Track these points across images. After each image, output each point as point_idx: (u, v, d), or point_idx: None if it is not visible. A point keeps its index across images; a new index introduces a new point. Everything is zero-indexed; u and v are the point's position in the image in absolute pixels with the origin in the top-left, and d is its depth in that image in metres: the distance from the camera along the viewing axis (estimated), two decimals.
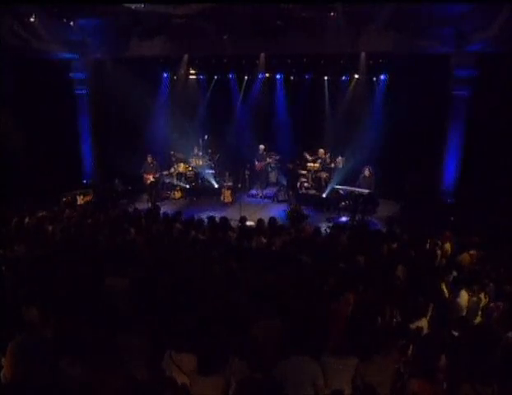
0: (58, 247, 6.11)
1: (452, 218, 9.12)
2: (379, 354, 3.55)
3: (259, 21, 7.90)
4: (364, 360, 3.42)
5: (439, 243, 6.28)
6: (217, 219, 7.30)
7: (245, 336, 3.65)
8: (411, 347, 3.74)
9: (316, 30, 9.17)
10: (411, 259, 5.69)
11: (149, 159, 10.68)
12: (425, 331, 4.08)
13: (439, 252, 6.00)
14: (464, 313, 4.47)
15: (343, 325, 4.32)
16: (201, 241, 6.27)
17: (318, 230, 6.97)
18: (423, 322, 4.14)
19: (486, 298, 4.65)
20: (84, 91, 10.80)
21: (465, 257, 5.84)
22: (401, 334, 3.96)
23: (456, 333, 3.96)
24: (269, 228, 7.07)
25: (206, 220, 7.40)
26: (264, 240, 6.45)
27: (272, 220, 7.23)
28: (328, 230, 7.57)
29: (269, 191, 11.69)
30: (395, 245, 6.42)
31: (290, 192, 11.05)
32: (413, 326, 4.07)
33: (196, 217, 8.30)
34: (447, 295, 4.81)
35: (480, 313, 4.61)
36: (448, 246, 6.32)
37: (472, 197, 8.95)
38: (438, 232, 6.69)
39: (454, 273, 5.31)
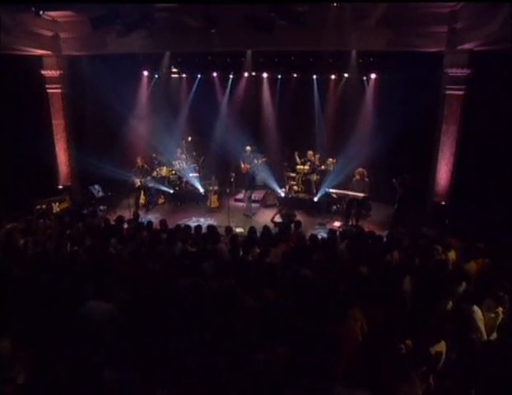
0: (30, 264, 5.48)
1: (447, 221, 8.92)
2: (397, 382, 3.18)
3: (247, 16, 7.39)
4: (380, 390, 3.04)
5: (440, 249, 5.95)
6: (205, 228, 6.80)
7: (248, 369, 3.22)
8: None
9: (305, 27, 8.77)
10: (418, 270, 5.34)
11: (139, 161, 10.05)
12: (444, 355, 3.73)
13: (449, 261, 5.67)
14: (481, 333, 4.11)
15: (354, 348, 3.94)
16: (190, 254, 5.76)
17: (314, 238, 6.55)
18: (442, 346, 3.77)
19: (503, 312, 4.33)
20: (58, 90, 10.04)
21: (472, 266, 5.51)
22: (419, 359, 3.59)
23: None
24: (263, 237, 6.62)
25: (193, 229, 6.90)
26: (258, 251, 5.99)
27: (266, 229, 6.77)
28: (324, 236, 7.21)
29: (256, 195, 11.24)
30: (396, 253, 6.09)
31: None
32: (432, 350, 3.70)
33: (182, 226, 7.84)
34: (459, 312, 4.46)
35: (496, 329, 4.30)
36: (452, 254, 6.02)
37: (466, 199, 8.74)
38: (440, 238, 6.37)
39: (463, 285, 4.98)
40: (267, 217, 9.67)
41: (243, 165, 11.55)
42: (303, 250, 5.93)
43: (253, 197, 10.97)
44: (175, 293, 4.44)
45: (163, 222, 7.00)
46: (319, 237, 7.74)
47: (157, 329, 3.85)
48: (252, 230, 6.63)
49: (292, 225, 8.43)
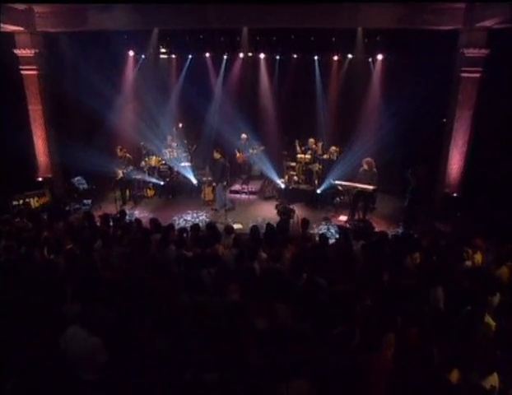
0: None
1: (458, 214, 8.35)
2: None
3: None
4: None
5: (470, 252, 5.33)
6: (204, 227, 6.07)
7: None
8: None
9: (306, 2, 7.95)
10: (449, 278, 4.70)
11: (119, 151, 9.22)
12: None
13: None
14: None
15: (385, 380, 3.31)
16: (187, 261, 5.03)
17: (324, 238, 5.87)
18: (494, 380, 3.15)
19: None
20: (33, 71, 9.05)
21: (504, 271, 4.90)
22: None
23: None
24: (266, 238, 5.92)
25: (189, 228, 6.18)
26: (264, 255, 5.30)
27: (270, 227, 6.06)
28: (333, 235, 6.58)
29: (253, 185, 10.53)
30: (417, 256, 5.46)
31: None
32: (486, 384, 3.09)
33: (175, 224, 7.14)
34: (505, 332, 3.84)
35: None
36: (478, 257, 5.40)
37: (480, 191, 8.17)
38: (464, 238, 5.74)
39: (497, 296, 4.36)
40: (265, 212, 9.03)
41: (238, 154, 10.83)
42: (314, 254, 5.26)
43: (250, 188, 10.29)
44: (171, 316, 3.72)
45: (154, 221, 6.23)
46: (328, 235, 7.18)
47: (150, 364, 3.18)
48: (255, 229, 5.89)
49: (292, 221, 7.85)
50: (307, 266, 4.81)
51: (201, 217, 8.72)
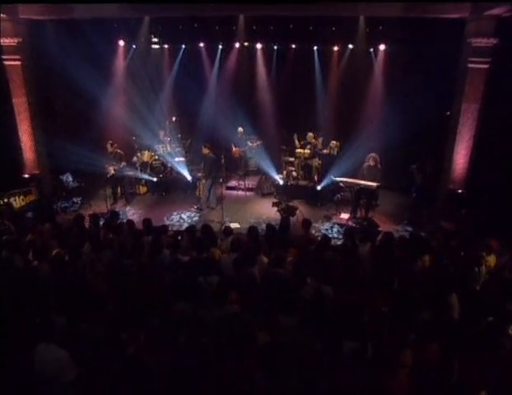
0: None
1: (463, 211, 8.05)
2: None
3: None
4: None
5: (484, 255, 5.02)
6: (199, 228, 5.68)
7: None
8: None
9: None
10: (465, 284, 4.39)
11: (109, 146, 8.80)
12: None
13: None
14: None
15: None
16: (181, 266, 4.67)
17: (326, 239, 5.51)
18: None
19: None
20: (17, 62, 8.53)
21: None
22: None
23: None
24: (267, 239, 5.56)
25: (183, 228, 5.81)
26: (265, 260, 4.94)
27: (270, 228, 5.70)
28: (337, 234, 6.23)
29: (250, 181, 10.15)
30: (427, 258, 5.13)
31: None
32: None
33: (169, 224, 6.75)
34: None
35: None
36: (492, 260, 5.08)
37: (486, 188, 7.86)
38: (477, 239, 5.43)
39: None
40: (264, 209, 8.67)
41: (234, 149, 10.43)
42: (318, 258, 4.92)
43: (246, 184, 9.91)
44: (164, 330, 3.36)
45: (147, 222, 5.83)
46: (330, 234, 6.85)
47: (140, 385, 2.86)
48: (253, 231, 5.52)
49: (292, 219, 7.51)
50: (310, 271, 4.48)
51: (194, 218, 8.32)
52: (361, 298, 4.00)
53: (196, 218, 8.30)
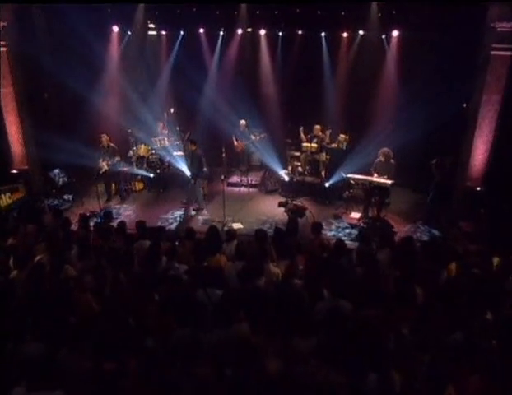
0: None
1: (482, 210, 7.54)
2: None
3: None
4: None
5: None
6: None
7: None
8: None
9: None
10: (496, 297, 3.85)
11: (103, 140, 8.33)
12: None
13: None
14: None
15: None
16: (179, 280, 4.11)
17: (341, 244, 4.97)
18: None
19: None
20: (2, 48, 7.99)
21: None
22: None
23: None
24: (275, 244, 5.02)
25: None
26: (275, 269, 4.41)
27: (279, 232, 5.16)
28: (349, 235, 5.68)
29: (253, 177, 9.64)
30: (454, 267, 4.61)
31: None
32: None
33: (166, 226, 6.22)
34: None
35: None
36: None
37: (507, 185, 7.35)
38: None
39: None
40: (268, 207, 8.15)
41: (236, 143, 9.91)
42: (333, 267, 4.38)
43: (249, 180, 9.40)
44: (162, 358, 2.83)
45: (141, 225, 5.29)
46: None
47: None
48: (262, 235, 4.97)
49: (301, 220, 6.99)
50: (324, 283, 3.95)
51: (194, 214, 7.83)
52: (386, 316, 3.49)
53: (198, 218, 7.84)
